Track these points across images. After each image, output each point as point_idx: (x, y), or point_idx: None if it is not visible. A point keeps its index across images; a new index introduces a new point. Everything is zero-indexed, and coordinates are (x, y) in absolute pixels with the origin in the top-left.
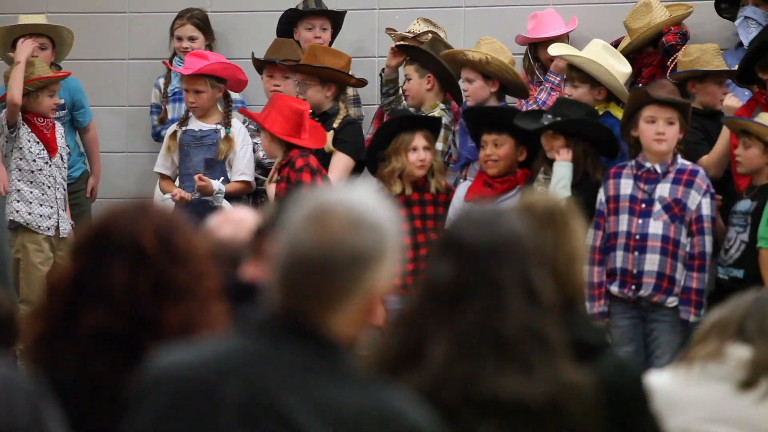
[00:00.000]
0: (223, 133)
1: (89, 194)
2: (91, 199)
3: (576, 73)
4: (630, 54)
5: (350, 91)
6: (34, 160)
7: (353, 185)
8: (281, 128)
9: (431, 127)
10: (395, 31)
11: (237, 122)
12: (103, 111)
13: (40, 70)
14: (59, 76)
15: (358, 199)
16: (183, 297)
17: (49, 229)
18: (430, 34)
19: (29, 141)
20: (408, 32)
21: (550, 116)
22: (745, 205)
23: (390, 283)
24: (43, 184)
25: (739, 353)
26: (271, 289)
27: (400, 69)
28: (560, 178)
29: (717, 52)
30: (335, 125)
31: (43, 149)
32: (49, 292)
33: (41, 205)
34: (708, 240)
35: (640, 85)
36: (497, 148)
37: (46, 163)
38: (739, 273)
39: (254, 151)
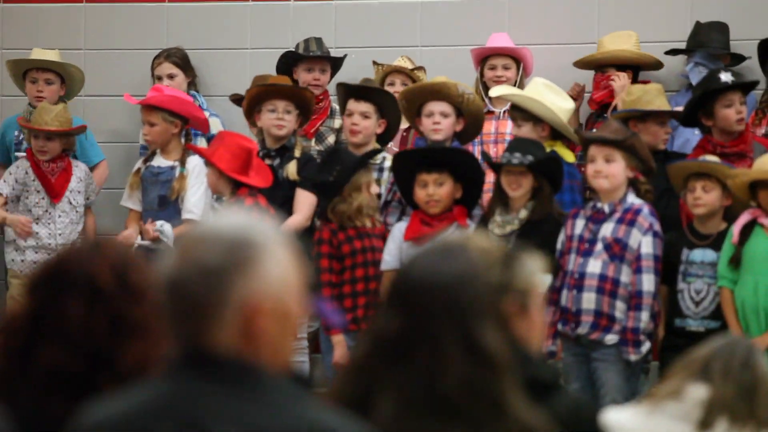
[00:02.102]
0: (178, 172)
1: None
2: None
3: (518, 112)
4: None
5: (338, 122)
6: (29, 210)
7: (230, 211)
8: (229, 165)
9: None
10: (382, 65)
11: (195, 159)
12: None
13: (35, 119)
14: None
15: (217, 220)
16: (139, 334)
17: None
18: (422, 71)
19: (28, 190)
20: (400, 64)
21: (518, 154)
22: (707, 255)
23: (277, 293)
24: (39, 233)
25: (698, 393)
26: (170, 327)
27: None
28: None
29: (660, 92)
30: (297, 155)
31: (43, 198)
32: (5, 328)
33: (36, 252)
34: (647, 278)
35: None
36: (439, 188)
37: (46, 211)
38: (716, 324)
39: None
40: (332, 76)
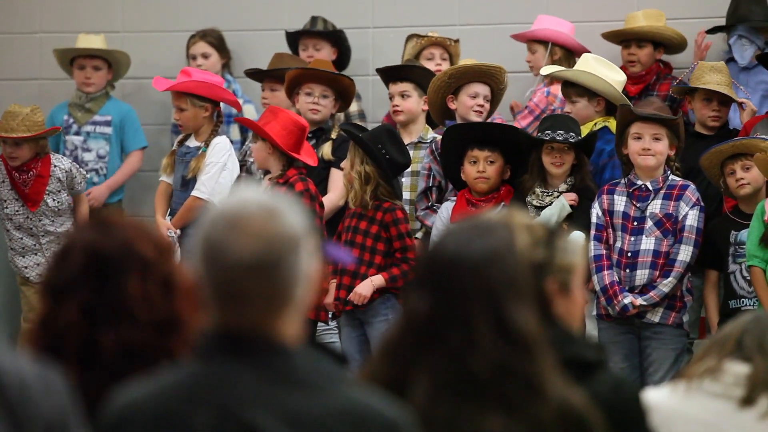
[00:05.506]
0: (200, 152)
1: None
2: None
3: (571, 88)
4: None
5: (354, 106)
6: (10, 219)
7: (240, 188)
8: (284, 141)
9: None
10: (419, 35)
11: (220, 139)
12: None
13: (2, 125)
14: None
15: (255, 195)
16: (189, 294)
17: (39, 276)
18: (456, 42)
19: (6, 199)
20: (432, 35)
21: (561, 132)
22: None
23: (318, 268)
24: (23, 239)
25: (737, 369)
26: (206, 307)
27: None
28: (552, 215)
29: (712, 69)
30: (333, 136)
31: (22, 205)
32: (56, 331)
33: (35, 254)
34: (684, 248)
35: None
36: (490, 166)
37: (28, 218)
38: None
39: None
40: (341, 54)
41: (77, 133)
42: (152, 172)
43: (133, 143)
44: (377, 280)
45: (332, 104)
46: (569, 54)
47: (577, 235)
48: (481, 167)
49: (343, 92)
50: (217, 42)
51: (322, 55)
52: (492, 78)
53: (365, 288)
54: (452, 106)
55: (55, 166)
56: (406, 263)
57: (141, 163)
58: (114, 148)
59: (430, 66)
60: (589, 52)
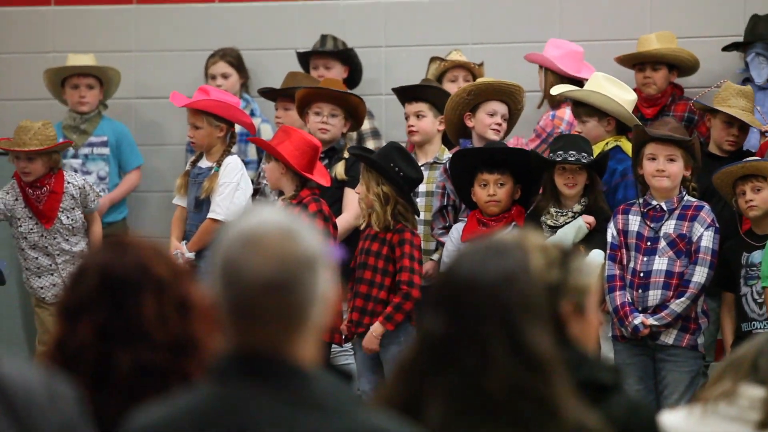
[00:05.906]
0: (213, 172)
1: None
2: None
3: (582, 108)
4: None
5: (366, 124)
6: (25, 238)
7: (256, 208)
8: (297, 161)
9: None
10: (442, 58)
11: (230, 159)
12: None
13: (15, 140)
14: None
15: (272, 215)
16: (205, 315)
17: (55, 296)
18: (480, 65)
19: (20, 217)
20: (456, 58)
21: (573, 152)
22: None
23: (334, 290)
24: (38, 258)
25: (752, 393)
26: (222, 327)
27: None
28: (568, 235)
29: (738, 93)
30: (345, 156)
31: (36, 223)
32: (69, 352)
33: (52, 274)
34: (700, 270)
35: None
36: (500, 188)
37: (42, 236)
38: None
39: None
40: (352, 71)
41: (75, 156)
42: (166, 193)
43: (131, 162)
44: (377, 329)
45: (342, 123)
46: (562, 79)
47: (597, 254)
48: (491, 190)
49: (353, 111)
50: (237, 62)
51: (333, 73)
52: (510, 96)
53: (370, 342)
54: (470, 123)
55: (68, 182)
56: (398, 294)
57: (140, 180)
58: (113, 168)
59: (454, 88)
60: (582, 78)
